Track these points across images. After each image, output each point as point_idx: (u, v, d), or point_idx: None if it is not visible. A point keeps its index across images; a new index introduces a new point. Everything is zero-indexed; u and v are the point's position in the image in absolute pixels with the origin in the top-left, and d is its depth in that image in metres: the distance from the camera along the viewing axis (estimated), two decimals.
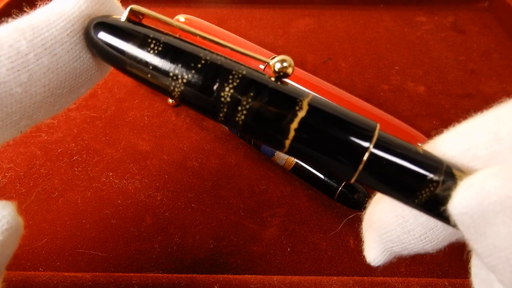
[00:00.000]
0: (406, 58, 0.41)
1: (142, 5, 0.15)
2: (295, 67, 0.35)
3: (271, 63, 0.14)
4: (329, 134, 0.12)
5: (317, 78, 0.34)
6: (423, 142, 0.29)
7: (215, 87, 0.13)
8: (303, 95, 0.13)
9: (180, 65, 0.13)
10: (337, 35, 0.44)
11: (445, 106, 0.35)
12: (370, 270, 0.24)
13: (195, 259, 0.25)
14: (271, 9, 0.48)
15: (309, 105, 0.12)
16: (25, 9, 0.14)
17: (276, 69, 0.13)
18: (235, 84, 0.13)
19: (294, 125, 0.12)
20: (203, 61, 0.13)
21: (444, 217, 0.12)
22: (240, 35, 0.38)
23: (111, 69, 0.16)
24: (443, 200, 0.11)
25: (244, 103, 0.13)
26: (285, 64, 0.13)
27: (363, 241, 0.16)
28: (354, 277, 0.22)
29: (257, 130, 0.13)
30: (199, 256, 0.25)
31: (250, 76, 0.13)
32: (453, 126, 0.13)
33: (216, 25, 0.40)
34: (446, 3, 0.48)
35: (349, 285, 0.22)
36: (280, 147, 0.13)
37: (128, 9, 0.15)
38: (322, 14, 0.47)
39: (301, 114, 0.12)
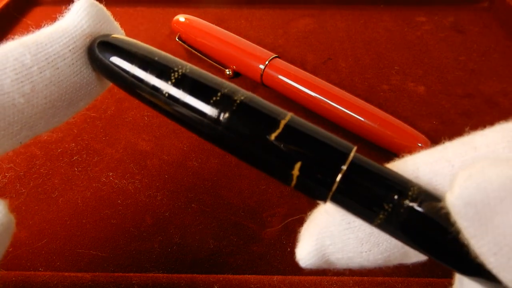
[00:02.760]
0: (406, 58, 0.41)
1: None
2: (295, 67, 0.35)
3: None
4: (304, 154, 0.12)
5: (317, 78, 0.34)
6: (423, 142, 0.29)
7: (196, 102, 0.13)
8: (281, 114, 0.13)
9: (162, 80, 0.14)
10: (337, 35, 0.44)
11: (445, 106, 0.35)
12: (370, 270, 0.24)
13: (195, 259, 0.25)
14: (271, 9, 0.48)
15: (286, 125, 0.12)
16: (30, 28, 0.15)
17: None
18: (217, 98, 0.13)
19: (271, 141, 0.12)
20: (177, 75, 0.14)
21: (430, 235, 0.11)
22: (240, 35, 0.38)
23: (109, 84, 0.17)
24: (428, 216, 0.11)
25: (222, 118, 0.13)
26: None
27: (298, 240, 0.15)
28: (354, 277, 0.22)
29: (234, 145, 0.13)
30: (199, 256, 0.25)
31: (229, 93, 0.13)
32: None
33: (216, 25, 0.40)
34: (446, 3, 0.48)
35: (349, 285, 0.22)
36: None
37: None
38: (322, 14, 0.47)
39: (277, 132, 0.12)
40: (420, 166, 0.13)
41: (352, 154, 0.12)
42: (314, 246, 0.14)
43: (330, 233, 0.14)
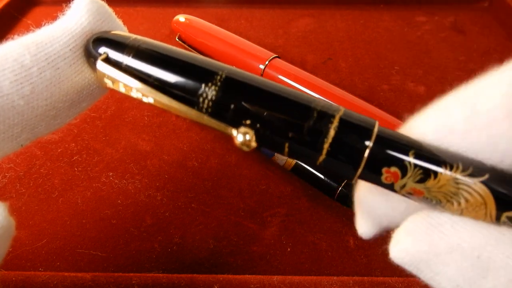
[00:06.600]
0: (406, 58, 0.41)
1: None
2: (295, 67, 0.35)
3: (234, 134, 0.13)
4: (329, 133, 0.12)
5: (317, 78, 0.34)
6: None
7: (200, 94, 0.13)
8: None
9: (169, 76, 0.14)
10: (337, 35, 0.44)
11: None
12: (370, 270, 0.24)
13: (195, 259, 0.25)
14: (271, 9, 0.48)
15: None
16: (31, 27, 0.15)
17: (239, 142, 0.12)
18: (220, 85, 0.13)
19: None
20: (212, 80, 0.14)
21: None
22: (240, 35, 0.38)
23: None
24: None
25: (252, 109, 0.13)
26: (247, 137, 0.12)
27: (355, 215, 0.16)
28: (354, 277, 0.22)
29: (264, 137, 0.13)
30: (199, 256, 0.25)
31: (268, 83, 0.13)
32: None
33: (216, 25, 0.40)
34: (446, 3, 0.48)
35: (349, 285, 0.22)
36: (281, 151, 0.13)
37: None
38: (322, 14, 0.47)
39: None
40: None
41: (375, 130, 0.12)
42: (370, 224, 0.15)
43: (377, 214, 0.15)
